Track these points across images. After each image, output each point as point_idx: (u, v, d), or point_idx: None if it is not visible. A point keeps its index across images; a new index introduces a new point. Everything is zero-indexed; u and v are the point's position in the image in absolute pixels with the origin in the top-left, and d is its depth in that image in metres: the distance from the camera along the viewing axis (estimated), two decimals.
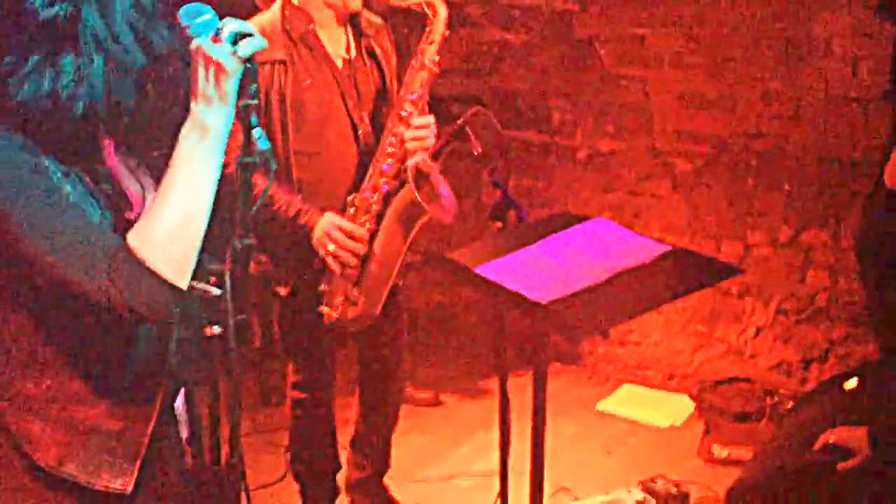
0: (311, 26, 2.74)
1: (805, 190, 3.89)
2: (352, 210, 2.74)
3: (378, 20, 2.91)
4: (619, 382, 4.23)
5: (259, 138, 1.59)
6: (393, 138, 2.75)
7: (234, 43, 1.55)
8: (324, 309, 2.74)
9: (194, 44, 1.54)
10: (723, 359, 4.08)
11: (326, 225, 2.68)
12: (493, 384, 4.07)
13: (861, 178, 3.73)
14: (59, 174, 1.50)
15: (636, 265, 1.95)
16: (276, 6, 2.77)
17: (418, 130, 2.74)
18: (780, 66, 3.88)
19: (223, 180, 1.51)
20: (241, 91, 1.55)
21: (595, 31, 4.27)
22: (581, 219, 2.20)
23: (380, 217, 2.75)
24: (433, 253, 3.55)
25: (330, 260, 2.70)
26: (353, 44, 2.85)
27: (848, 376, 2.80)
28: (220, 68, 1.53)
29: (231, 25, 1.56)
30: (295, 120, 2.69)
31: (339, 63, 2.80)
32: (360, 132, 2.81)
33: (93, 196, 1.55)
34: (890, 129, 3.40)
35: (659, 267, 1.93)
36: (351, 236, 2.69)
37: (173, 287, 1.48)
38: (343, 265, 2.71)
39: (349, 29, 2.84)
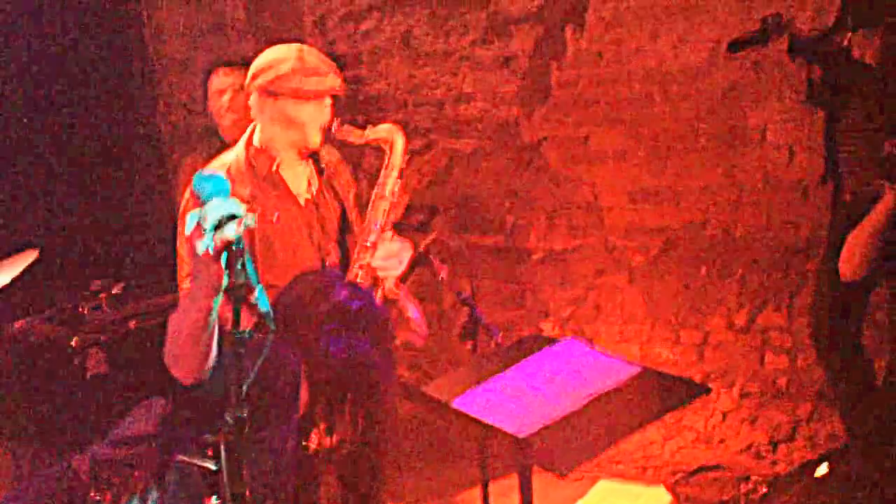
0: (274, 167, 2.82)
1: (756, 274, 4.02)
2: None
3: (336, 155, 3.00)
4: (595, 479, 4.25)
5: (258, 299, 1.65)
6: (360, 269, 2.81)
7: (218, 228, 1.64)
8: (306, 442, 2.75)
9: (185, 229, 1.64)
10: (694, 446, 4.14)
11: None
12: (475, 493, 4.09)
13: (809, 260, 3.87)
14: None
15: (610, 389, 2.01)
16: (241, 146, 2.85)
17: (387, 260, 2.81)
18: (720, 157, 4.03)
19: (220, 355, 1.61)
20: (231, 270, 1.63)
21: (541, 134, 4.41)
22: (551, 341, 2.27)
23: None
24: (407, 386, 3.59)
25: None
26: (314, 178, 2.92)
27: (817, 463, 2.89)
28: (200, 258, 1.66)
29: (212, 216, 1.65)
30: (264, 255, 2.74)
31: (303, 199, 2.88)
32: (326, 264, 2.86)
33: None
34: (830, 212, 3.57)
35: (632, 389, 2.00)
36: None
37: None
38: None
39: (310, 164, 2.92)
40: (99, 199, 4.90)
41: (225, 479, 1.65)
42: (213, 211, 1.66)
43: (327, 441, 2.77)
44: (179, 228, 2.79)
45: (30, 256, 2.97)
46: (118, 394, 3.79)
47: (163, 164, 5.22)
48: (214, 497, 1.66)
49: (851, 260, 2.75)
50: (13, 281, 2.91)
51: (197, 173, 1.74)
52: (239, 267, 1.66)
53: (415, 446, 4.57)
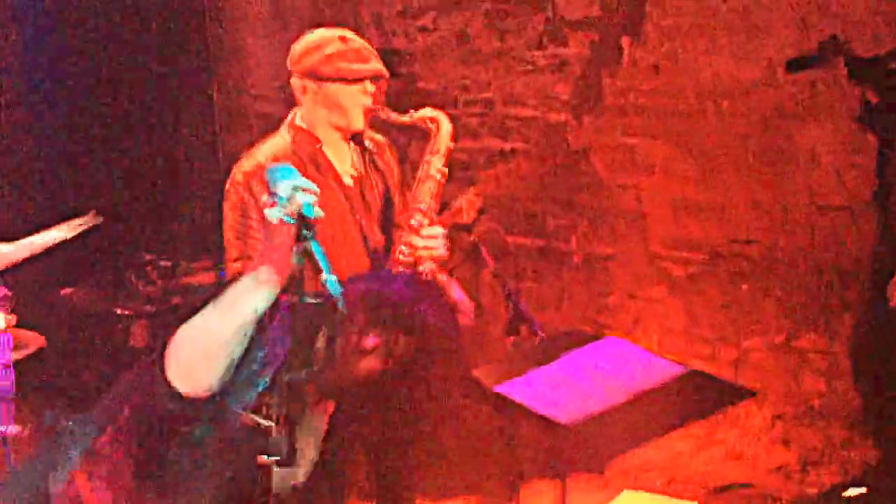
0: (318, 146, 2.86)
1: (797, 295, 3.99)
2: None
3: (381, 138, 3.04)
4: (619, 489, 4.22)
5: (327, 282, 1.67)
6: (404, 247, 2.84)
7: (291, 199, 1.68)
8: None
9: (260, 204, 1.68)
10: (723, 462, 4.12)
11: None
12: (500, 492, 4.09)
13: (852, 284, 3.84)
14: None
15: (653, 386, 2.02)
16: (284, 129, 2.90)
17: (429, 240, 2.83)
18: (768, 176, 4.02)
19: (283, 319, 1.62)
20: (298, 237, 1.67)
21: (589, 140, 4.42)
22: (595, 337, 2.29)
23: None
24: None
25: None
26: (357, 160, 2.97)
27: (849, 486, 2.87)
28: (272, 227, 1.70)
29: (282, 187, 1.69)
30: None
31: (347, 179, 2.92)
32: (369, 244, 2.90)
33: None
34: (876, 237, 3.56)
35: (675, 389, 2.01)
36: None
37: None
38: None
39: (354, 145, 2.96)
40: (151, 177, 4.99)
41: (278, 440, 1.68)
42: (281, 185, 1.70)
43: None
44: (225, 213, 2.84)
45: (92, 220, 3.05)
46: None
47: (215, 146, 5.29)
48: (268, 456, 1.69)
49: None
50: (67, 243, 2.97)
51: (269, 168, 1.79)
52: (305, 240, 1.70)
53: (448, 443, 4.57)
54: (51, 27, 4.78)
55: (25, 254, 2.90)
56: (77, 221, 3.02)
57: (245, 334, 1.70)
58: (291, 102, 2.93)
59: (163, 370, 1.70)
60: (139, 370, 1.84)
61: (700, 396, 2.00)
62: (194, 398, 1.70)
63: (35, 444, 3.38)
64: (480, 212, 3.93)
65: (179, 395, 1.68)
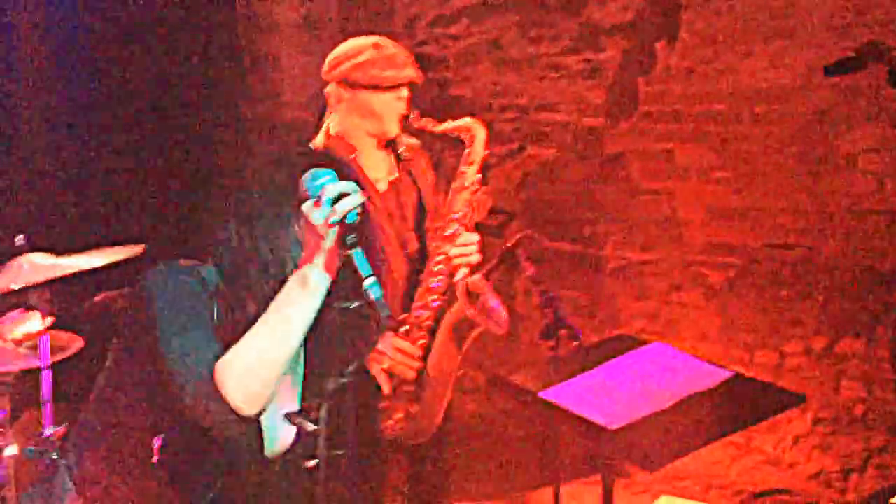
0: (353, 155, 2.86)
1: (837, 300, 3.96)
2: (405, 328, 2.80)
3: (415, 142, 3.03)
4: (657, 494, 4.20)
5: (370, 287, 1.67)
6: (440, 256, 2.84)
7: (335, 203, 1.68)
8: (383, 425, 2.79)
9: (303, 208, 1.66)
10: (761, 469, 4.08)
11: (381, 344, 2.75)
12: (536, 497, 4.09)
13: (892, 289, 3.80)
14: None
15: (701, 391, 2.00)
16: (319, 138, 2.91)
17: (464, 248, 2.83)
18: (806, 181, 3.99)
19: (325, 324, 1.61)
20: (343, 242, 1.67)
21: (624, 145, 4.40)
22: (640, 342, 2.27)
23: (432, 332, 2.81)
24: (496, 376, 3.61)
25: (382, 378, 2.77)
26: (392, 165, 2.97)
27: (889, 494, 2.83)
28: (315, 230, 1.69)
29: (330, 190, 1.68)
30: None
31: (383, 186, 2.92)
32: (407, 250, 2.90)
33: None
34: None
35: (724, 393, 1.99)
36: (405, 354, 2.76)
37: (241, 415, 1.66)
38: (397, 382, 2.77)
39: (388, 151, 2.96)
40: (185, 184, 5.03)
41: (321, 442, 1.69)
42: (329, 189, 1.70)
43: (405, 428, 2.80)
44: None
45: (134, 250, 3.08)
46: None
47: (247, 154, 5.31)
48: (313, 459, 1.69)
49: None
50: (109, 266, 3.02)
51: (310, 172, 1.76)
52: (350, 246, 1.70)
53: (474, 448, 4.57)
54: (82, 39, 4.83)
55: (67, 272, 2.93)
56: (123, 250, 3.07)
57: (299, 343, 1.70)
58: (323, 110, 2.94)
59: (218, 397, 1.65)
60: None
61: (749, 402, 1.98)
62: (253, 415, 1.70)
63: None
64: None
65: (241, 418, 1.66)
